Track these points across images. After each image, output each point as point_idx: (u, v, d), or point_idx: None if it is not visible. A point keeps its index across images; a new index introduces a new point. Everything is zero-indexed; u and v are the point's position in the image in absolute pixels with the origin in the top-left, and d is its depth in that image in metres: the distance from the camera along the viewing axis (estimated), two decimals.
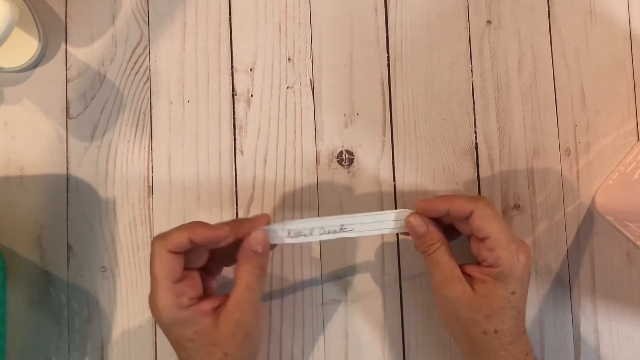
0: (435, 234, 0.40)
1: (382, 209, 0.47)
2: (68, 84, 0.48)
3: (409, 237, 0.41)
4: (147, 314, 0.46)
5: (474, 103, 0.48)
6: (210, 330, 0.37)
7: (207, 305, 0.38)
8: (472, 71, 0.48)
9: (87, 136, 0.47)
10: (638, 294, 0.46)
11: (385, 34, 0.48)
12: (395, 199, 0.47)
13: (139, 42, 0.48)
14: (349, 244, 0.47)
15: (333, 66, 0.48)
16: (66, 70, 0.48)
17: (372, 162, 0.47)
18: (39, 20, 0.46)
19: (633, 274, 0.47)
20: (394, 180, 0.47)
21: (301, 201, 0.47)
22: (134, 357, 0.46)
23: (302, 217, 0.47)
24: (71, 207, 0.47)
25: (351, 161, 0.47)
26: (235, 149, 0.47)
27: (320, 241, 0.44)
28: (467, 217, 0.39)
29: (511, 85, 0.48)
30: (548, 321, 0.46)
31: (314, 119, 0.47)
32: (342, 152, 0.47)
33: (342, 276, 0.47)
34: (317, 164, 0.47)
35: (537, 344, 0.46)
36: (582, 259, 0.47)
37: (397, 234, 0.46)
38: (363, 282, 0.46)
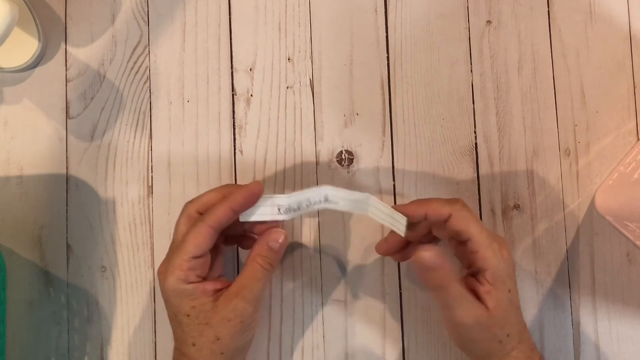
0: (448, 264, 0.37)
1: None
2: (68, 84, 0.48)
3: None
4: (147, 313, 0.46)
5: (473, 103, 0.48)
6: (208, 309, 0.38)
7: (210, 285, 0.39)
8: (472, 71, 0.48)
9: (86, 136, 0.47)
10: (638, 294, 0.46)
11: (385, 34, 0.48)
12: (395, 199, 0.47)
13: (139, 42, 0.48)
14: (349, 244, 0.47)
15: (333, 66, 0.48)
16: (66, 70, 0.48)
17: (371, 162, 0.47)
18: (39, 20, 0.46)
19: (633, 274, 0.47)
20: (394, 180, 0.47)
21: None
22: (134, 357, 0.46)
23: (301, 217, 0.47)
24: (71, 207, 0.47)
25: (351, 161, 0.47)
26: (235, 149, 0.47)
27: (317, 211, 0.42)
28: (445, 221, 0.38)
29: (511, 85, 0.48)
30: (548, 321, 0.46)
31: (314, 118, 0.48)
32: (341, 152, 0.47)
33: (342, 276, 0.47)
34: (317, 164, 0.47)
35: (537, 344, 0.46)
36: (582, 259, 0.47)
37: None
38: (363, 282, 0.46)
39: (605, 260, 0.47)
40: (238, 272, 0.46)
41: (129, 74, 0.48)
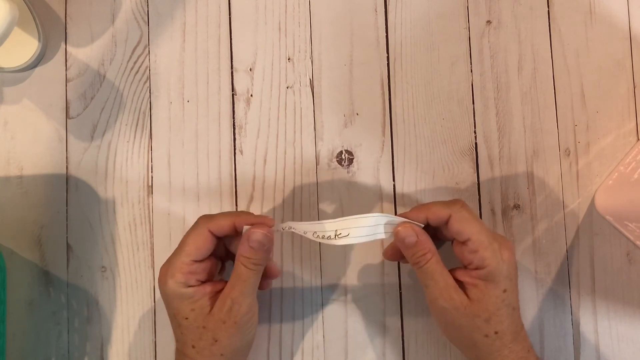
0: (425, 243, 0.39)
1: (381, 209, 0.47)
2: (68, 84, 0.48)
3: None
4: (147, 313, 0.46)
5: (473, 103, 0.48)
6: (205, 312, 0.38)
7: (209, 288, 0.39)
8: (472, 71, 0.48)
9: (86, 136, 0.47)
10: (638, 294, 0.46)
11: (385, 34, 0.48)
12: (395, 199, 0.47)
13: (139, 42, 0.48)
14: (349, 244, 0.46)
15: (333, 66, 0.48)
16: (66, 70, 0.48)
17: (371, 162, 0.47)
18: (39, 20, 0.46)
19: (633, 274, 0.47)
20: (394, 180, 0.47)
21: (301, 201, 0.47)
22: (134, 357, 0.46)
23: (301, 217, 0.47)
24: (71, 207, 0.47)
25: (351, 161, 0.47)
26: (235, 149, 0.47)
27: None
28: (446, 223, 0.39)
29: (511, 85, 0.48)
30: (548, 321, 0.46)
31: (314, 119, 0.47)
32: (341, 152, 0.47)
33: (342, 276, 0.46)
34: (317, 164, 0.47)
35: (537, 344, 0.46)
36: (582, 259, 0.47)
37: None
38: (363, 282, 0.46)
39: (605, 260, 0.47)
40: None
41: (129, 74, 0.48)
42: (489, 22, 0.48)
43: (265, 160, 0.47)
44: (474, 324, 0.38)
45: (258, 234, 0.39)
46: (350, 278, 0.46)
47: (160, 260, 0.46)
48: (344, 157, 0.47)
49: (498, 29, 0.48)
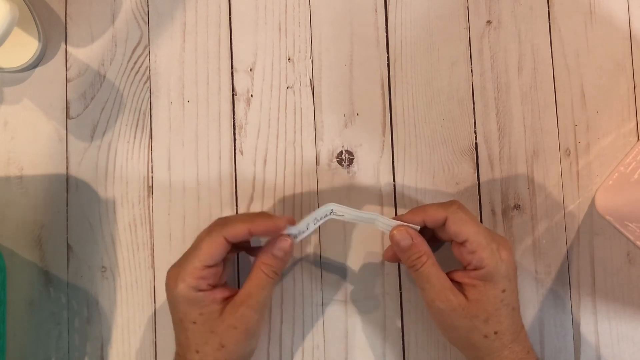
0: (420, 246, 0.39)
1: (381, 210, 0.47)
2: (68, 84, 0.48)
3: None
4: (148, 314, 0.46)
5: (473, 103, 0.48)
6: (214, 317, 0.38)
7: (219, 293, 0.39)
8: (472, 71, 0.48)
9: (86, 136, 0.47)
10: (638, 294, 0.46)
11: (385, 34, 0.48)
12: (395, 199, 0.47)
13: (139, 42, 0.48)
14: (349, 244, 0.47)
15: (333, 66, 0.48)
16: (66, 70, 0.48)
17: (372, 162, 0.47)
18: (39, 20, 0.46)
19: (633, 274, 0.47)
20: (394, 180, 0.47)
21: (301, 201, 0.47)
22: (134, 357, 0.46)
23: (301, 217, 0.47)
24: (71, 207, 0.47)
25: (351, 161, 0.47)
26: (235, 149, 0.47)
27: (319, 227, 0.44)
28: (443, 224, 0.39)
29: (511, 85, 0.48)
30: (548, 321, 0.46)
31: (314, 119, 0.47)
32: (342, 152, 0.47)
33: (342, 276, 0.46)
34: (317, 164, 0.47)
35: (537, 344, 0.46)
36: (582, 259, 0.47)
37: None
38: (363, 282, 0.46)
39: (605, 260, 0.47)
40: (238, 278, 0.46)
41: (129, 74, 0.48)
42: (489, 22, 0.48)
43: (265, 161, 0.47)
44: (472, 324, 0.38)
45: (286, 242, 0.39)
46: (351, 278, 0.46)
47: (160, 261, 0.46)
48: (344, 157, 0.47)
49: (498, 29, 0.48)
